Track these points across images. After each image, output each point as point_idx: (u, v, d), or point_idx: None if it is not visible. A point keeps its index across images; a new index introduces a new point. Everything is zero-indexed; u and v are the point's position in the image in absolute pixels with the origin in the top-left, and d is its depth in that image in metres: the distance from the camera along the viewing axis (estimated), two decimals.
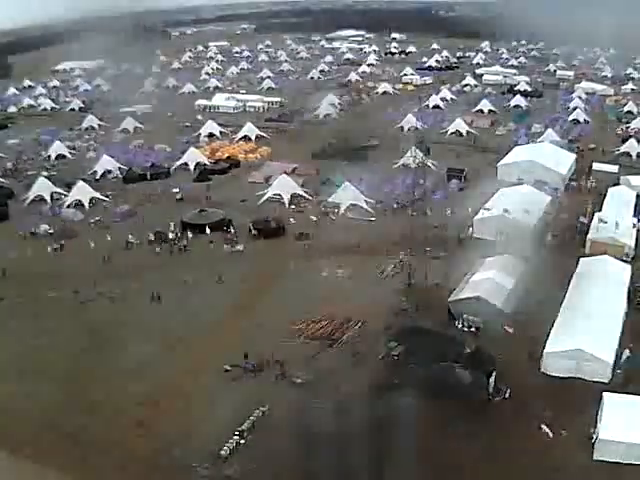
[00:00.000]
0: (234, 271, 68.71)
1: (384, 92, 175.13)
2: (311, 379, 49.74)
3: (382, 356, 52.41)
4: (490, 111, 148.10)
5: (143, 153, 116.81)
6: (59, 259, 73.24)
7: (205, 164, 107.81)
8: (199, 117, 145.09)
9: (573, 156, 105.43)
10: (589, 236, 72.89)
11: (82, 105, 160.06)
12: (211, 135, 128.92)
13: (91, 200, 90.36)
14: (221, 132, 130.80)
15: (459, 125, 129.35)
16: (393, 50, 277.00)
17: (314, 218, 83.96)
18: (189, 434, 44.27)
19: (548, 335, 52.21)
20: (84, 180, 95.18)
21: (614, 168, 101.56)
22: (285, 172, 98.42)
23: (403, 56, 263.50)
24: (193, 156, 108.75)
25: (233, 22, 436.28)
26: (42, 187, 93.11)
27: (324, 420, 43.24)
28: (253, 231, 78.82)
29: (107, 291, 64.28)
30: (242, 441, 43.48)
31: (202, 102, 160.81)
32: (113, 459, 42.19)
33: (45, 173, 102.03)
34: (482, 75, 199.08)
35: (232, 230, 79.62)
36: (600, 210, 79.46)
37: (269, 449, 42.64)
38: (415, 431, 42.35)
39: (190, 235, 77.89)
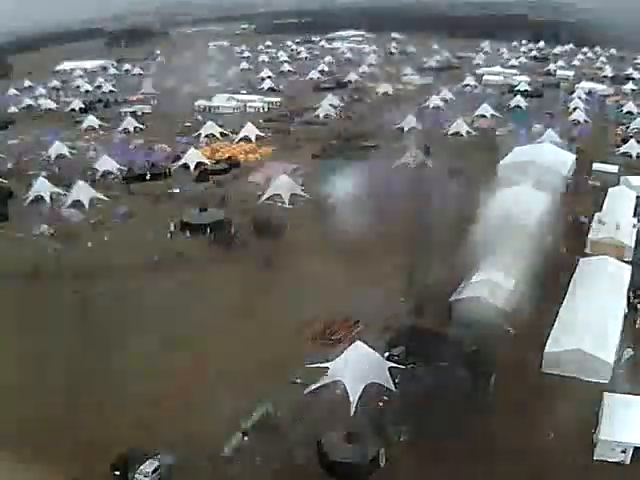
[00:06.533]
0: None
1: (384, 92, 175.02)
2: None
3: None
4: (492, 115, 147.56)
5: (143, 153, 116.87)
6: (59, 259, 73.15)
7: (205, 164, 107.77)
8: (199, 117, 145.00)
9: (573, 156, 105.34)
10: (589, 236, 72.77)
11: (82, 106, 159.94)
12: (212, 136, 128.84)
13: (91, 200, 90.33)
14: (221, 133, 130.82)
15: (459, 126, 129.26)
16: (393, 50, 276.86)
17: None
18: (189, 434, 44.26)
19: (548, 335, 52.19)
20: (84, 180, 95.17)
21: (614, 168, 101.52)
22: (285, 172, 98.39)
23: (404, 57, 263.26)
24: (193, 156, 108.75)
25: (233, 22, 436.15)
26: (42, 187, 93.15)
27: None
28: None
29: (107, 291, 64.27)
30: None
31: (202, 102, 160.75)
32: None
33: (45, 173, 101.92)
34: (482, 75, 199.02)
35: (232, 230, 79.66)
36: (600, 210, 79.34)
37: None
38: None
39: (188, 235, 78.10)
